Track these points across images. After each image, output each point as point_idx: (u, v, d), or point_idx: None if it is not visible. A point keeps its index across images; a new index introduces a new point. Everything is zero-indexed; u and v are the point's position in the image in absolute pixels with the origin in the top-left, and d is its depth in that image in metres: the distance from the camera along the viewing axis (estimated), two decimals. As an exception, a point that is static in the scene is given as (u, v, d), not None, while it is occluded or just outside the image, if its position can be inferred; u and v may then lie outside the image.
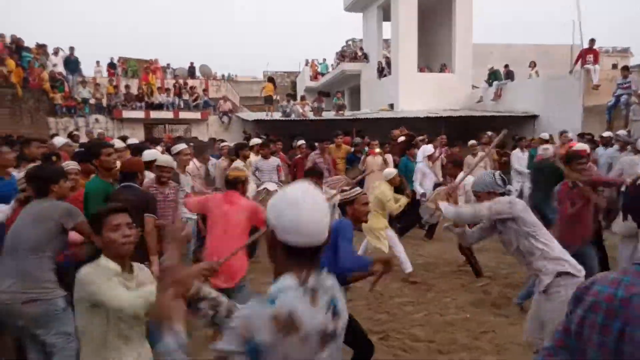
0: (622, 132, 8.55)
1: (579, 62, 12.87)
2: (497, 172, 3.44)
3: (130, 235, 2.18)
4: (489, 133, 10.56)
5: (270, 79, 17.26)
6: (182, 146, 5.78)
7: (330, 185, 6.15)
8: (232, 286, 3.63)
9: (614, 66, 13.66)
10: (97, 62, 20.62)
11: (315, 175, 5.04)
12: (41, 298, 2.81)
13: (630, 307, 1.15)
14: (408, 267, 5.83)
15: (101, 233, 2.17)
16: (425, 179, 7.87)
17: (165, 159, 4.62)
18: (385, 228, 5.90)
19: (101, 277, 2.08)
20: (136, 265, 2.30)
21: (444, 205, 3.20)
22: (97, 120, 15.50)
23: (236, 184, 3.97)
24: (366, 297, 5.39)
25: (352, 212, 2.93)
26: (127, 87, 16.73)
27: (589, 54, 12.71)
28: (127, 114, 15.75)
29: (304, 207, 1.23)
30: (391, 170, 6.28)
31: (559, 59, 18.26)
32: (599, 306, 1.20)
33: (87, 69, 19.03)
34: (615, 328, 1.16)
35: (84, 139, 10.78)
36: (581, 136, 9.52)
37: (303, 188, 1.28)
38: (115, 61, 20.32)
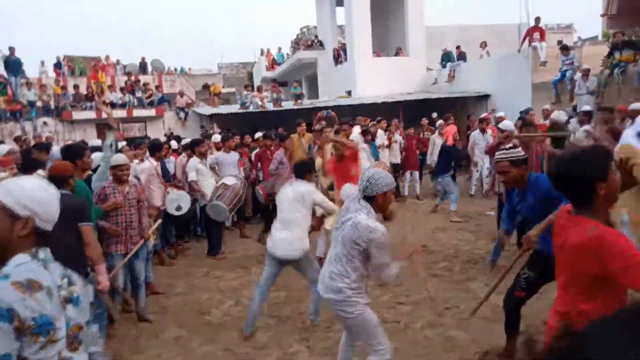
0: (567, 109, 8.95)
1: (527, 41, 13.30)
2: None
3: None
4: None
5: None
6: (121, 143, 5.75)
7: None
8: None
9: (559, 42, 14.20)
10: (42, 62, 19.69)
11: (306, 171, 4.63)
12: None
13: None
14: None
15: None
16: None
17: (119, 158, 4.53)
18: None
19: None
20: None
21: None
22: (45, 123, 14.83)
23: None
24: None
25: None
26: (75, 87, 16.05)
27: (536, 31, 13.14)
28: (77, 115, 15.14)
29: (52, 197, 1.51)
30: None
31: (509, 38, 18.78)
32: None
33: (31, 70, 18.12)
34: None
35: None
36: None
37: (42, 182, 1.55)
38: (60, 60, 19.42)
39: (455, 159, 9.06)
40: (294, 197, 4.24)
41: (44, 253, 1.47)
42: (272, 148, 8.55)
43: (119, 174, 4.48)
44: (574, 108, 10.16)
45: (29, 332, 1.31)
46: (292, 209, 4.20)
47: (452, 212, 8.16)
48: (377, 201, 2.78)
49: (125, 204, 4.49)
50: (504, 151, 3.33)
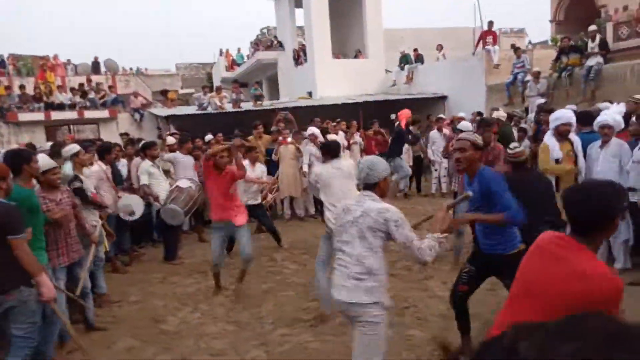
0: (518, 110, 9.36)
1: (480, 44, 13.71)
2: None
3: None
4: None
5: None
6: (75, 147, 5.32)
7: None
8: None
9: (512, 46, 14.74)
10: (-16, 61, 18.63)
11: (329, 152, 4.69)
12: None
13: None
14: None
15: None
16: (313, 159, 8.01)
17: (46, 162, 4.07)
18: None
19: None
20: None
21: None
22: (-12, 124, 14.01)
23: None
24: (295, 287, 5.41)
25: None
26: (21, 87, 15.25)
27: (488, 35, 13.56)
28: (23, 116, 14.37)
29: None
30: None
31: (463, 41, 19.30)
32: None
33: (-28, 69, 17.10)
34: None
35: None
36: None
37: None
38: (4, 59, 18.44)
39: (408, 142, 9.40)
40: (343, 174, 4.46)
41: None
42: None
43: (50, 178, 4.05)
44: (526, 109, 10.55)
45: None
46: (343, 185, 4.43)
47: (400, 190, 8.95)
48: (379, 187, 2.78)
49: (60, 211, 4.05)
50: (469, 133, 3.41)
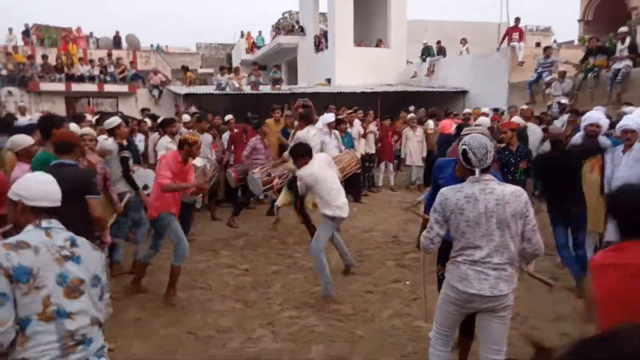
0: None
1: (506, 40, 13.44)
2: None
3: None
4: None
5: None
6: (117, 120, 5.49)
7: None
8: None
9: (537, 44, 14.44)
10: (10, 30, 18.78)
11: (303, 155, 4.68)
12: None
13: None
14: None
15: None
16: (326, 147, 7.89)
17: (86, 129, 4.35)
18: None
19: None
20: None
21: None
22: (10, 92, 14.17)
23: None
24: (304, 271, 5.42)
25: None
26: (44, 57, 15.36)
27: (515, 32, 13.29)
28: (45, 86, 14.50)
29: (37, 182, 1.92)
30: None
31: (487, 36, 18.95)
32: None
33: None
34: None
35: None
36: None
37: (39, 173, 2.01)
38: (29, 28, 18.58)
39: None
40: (330, 165, 4.77)
41: (48, 222, 1.85)
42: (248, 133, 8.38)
43: (83, 144, 4.29)
44: (549, 108, 10.36)
45: (13, 279, 1.64)
46: (334, 177, 4.72)
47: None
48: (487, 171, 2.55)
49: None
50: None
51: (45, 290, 1.69)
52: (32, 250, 1.71)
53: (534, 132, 7.73)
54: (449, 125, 7.77)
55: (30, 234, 1.79)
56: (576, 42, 18.71)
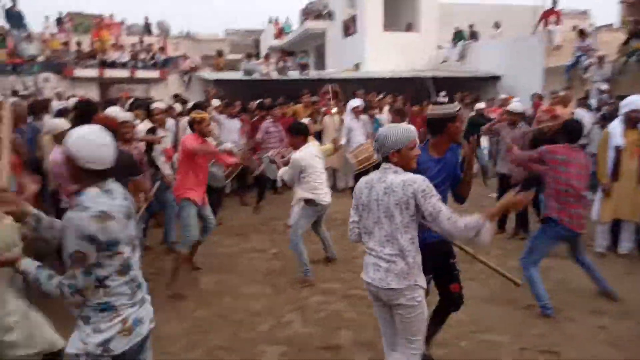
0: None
1: (541, 23, 12.96)
2: None
3: None
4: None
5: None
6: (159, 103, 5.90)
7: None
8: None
9: (574, 28, 13.85)
10: (46, 17, 19.21)
11: (304, 132, 4.91)
12: None
13: None
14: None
15: None
16: (352, 134, 7.82)
17: (125, 115, 4.43)
18: None
19: None
20: None
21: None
22: (46, 79, 14.56)
23: None
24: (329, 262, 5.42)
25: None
26: (78, 44, 15.71)
27: (552, 15, 12.81)
28: (79, 72, 14.84)
29: (96, 142, 1.93)
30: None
31: (522, 19, 18.32)
32: None
33: (34, 25, 17.70)
34: None
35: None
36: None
37: (93, 128, 1.99)
38: (62, 16, 18.99)
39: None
40: (319, 155, 4.87)
41: (108, 184, 1.97)
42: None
43: (122, 131, 4.33)
44: (587, 94, 9.97)
45: (103, 249, 1.86)
46: (322, 166, 4.87)
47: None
48: (392, 160, 2.47)
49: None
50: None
51: (125, 252, 1.95)
52: (115, 220, 1.89)
53: (582, 118, 7.45)
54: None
55: (102, 200, 1.91)
56: (615, 25, 17.87)
